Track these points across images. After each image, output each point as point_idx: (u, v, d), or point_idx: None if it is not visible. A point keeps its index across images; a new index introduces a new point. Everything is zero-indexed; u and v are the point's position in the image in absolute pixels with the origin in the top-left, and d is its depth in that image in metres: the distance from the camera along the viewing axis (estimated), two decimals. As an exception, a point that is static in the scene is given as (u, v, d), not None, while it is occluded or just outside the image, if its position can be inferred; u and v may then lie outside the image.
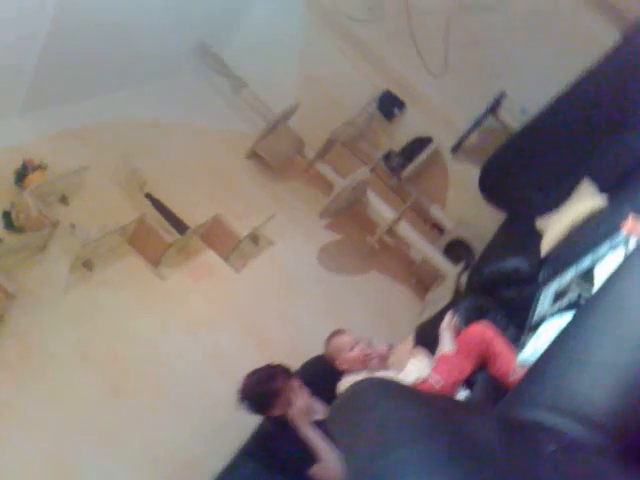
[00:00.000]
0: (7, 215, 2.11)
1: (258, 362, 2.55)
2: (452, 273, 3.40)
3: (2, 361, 2.06)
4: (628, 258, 1.64)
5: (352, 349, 2.29)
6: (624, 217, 1.96)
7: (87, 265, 2.37)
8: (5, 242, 2.09)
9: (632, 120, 2.64)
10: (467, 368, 2.13)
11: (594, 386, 1.04)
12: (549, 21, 3.19)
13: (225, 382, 2.49)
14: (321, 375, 2.33)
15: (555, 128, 2.95)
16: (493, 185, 3.24)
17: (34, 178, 2.14)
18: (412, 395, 1.15)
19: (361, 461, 0.93)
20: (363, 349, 2.29)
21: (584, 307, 1.55)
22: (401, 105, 3.66)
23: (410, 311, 3.56)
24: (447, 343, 2.26)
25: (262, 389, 2.09)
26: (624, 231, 1.88)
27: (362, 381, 1.41)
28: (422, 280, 3.84)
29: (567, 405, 1.03)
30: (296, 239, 3.44)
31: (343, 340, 2.33)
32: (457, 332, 2.33)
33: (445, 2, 3.45)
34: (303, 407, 2.10)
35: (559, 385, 1.08)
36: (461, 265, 3.43)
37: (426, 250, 3.45)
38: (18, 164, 2.22)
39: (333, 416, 1.33)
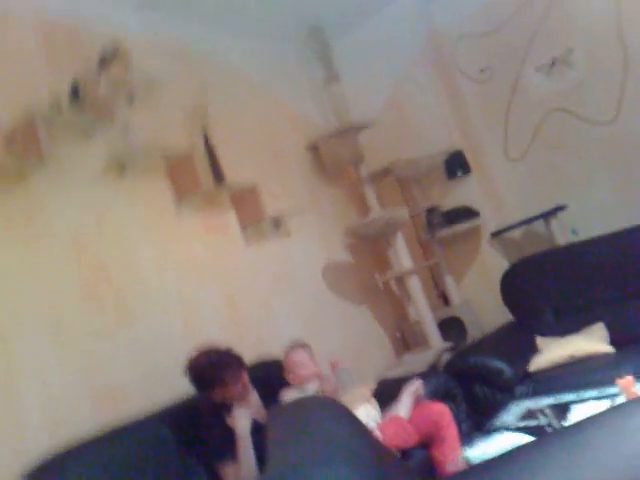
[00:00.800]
0: (76, 87, 2.14)
1: (222, 333, 2.55)
2: (438, 347, 3.37)
3: (3, 214, 2.07)
4: (609, 410, 1.61)
5: (308, 369, 2.27)
6: (622, 374, 1.94)
7: (120, 169, 2.39)
8: (64, 112, 2.11)
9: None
10: (412, 440, 2.10)
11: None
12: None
13: (185, 335, 2.49)
14: (267, 379, 2.31)
15: (596, 262, 2.93)
16: (515, 286, 3.22)
17: (116, 68, 2.17)
18: (359, 426, 1.13)
19: (286, 467, 0.92)
20: (319, 374, 2.29)
21: (548, 436, 1.53)
22: (466, 170, 3.65)
23: (380, 360, 3.53)
24: (404, 408, 2.23)
25: (213, 374, 2.03)
26: (617, 387, 1.85)
27: (315, 396, 1.40)
28: (406, 338, 3.82)
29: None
30: (313, 243, 3.44)
31: (303, 358, 2.32)
32: (417, 403, 2.31)
33: (554, 99, 3.45)
34: (250, 404, 2.09)
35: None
36: (449, 344, 3.40)
37: (424, 313, 3.43)
38: (109, 49, 2.26)
39: (275, 417, 1.31)
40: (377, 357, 3.55)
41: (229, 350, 2.12)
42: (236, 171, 2.91)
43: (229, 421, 2.02)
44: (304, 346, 2.38)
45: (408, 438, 2.08)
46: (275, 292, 3.06)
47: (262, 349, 2.65)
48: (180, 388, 2.15)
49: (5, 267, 2.04)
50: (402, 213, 3.43)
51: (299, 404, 1.10)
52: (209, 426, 2.04)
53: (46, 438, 1.92)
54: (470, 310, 3.70)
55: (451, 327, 3.62)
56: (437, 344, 3.39)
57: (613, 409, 1.39)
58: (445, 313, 3.69)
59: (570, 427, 1.30)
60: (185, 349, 2.11)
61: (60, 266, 2.20)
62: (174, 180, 2.60)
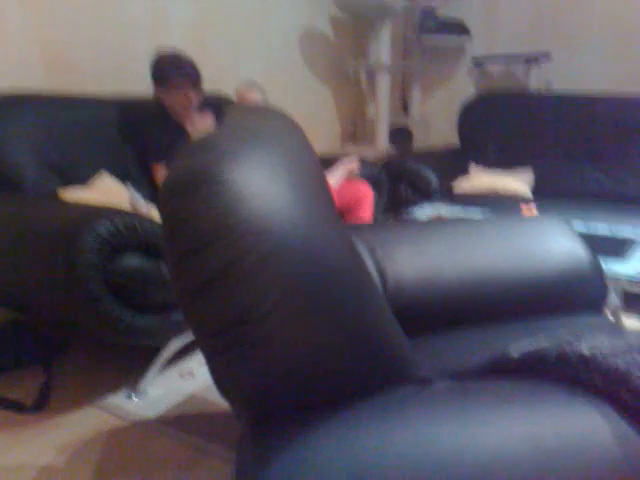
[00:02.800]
0: None
1: (186, 50, 2.53)
2: (382, 148, 3.51)
3: None
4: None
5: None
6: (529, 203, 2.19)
7: None
8: None
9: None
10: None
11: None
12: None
13: (148, 47, 2.45)
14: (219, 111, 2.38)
15: (552, 117, 3.05)
16: (471, 115, 3.30)
17: None
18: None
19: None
20: None
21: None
22: None
23: (324, 145, 3.66)
24: (335, 177, 2.40)
25: (167, 71, 2.08)
26: (522, 211, 2.09)
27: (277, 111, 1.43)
28: (355, 133, 3.93)
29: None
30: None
31: (257, 99, 2.36)
32: (347, 177, 2.48)
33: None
34: (198, 124, 2.18)
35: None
36: (393, 150, 3.55)
37: (381, 114, 3.49)
38: None
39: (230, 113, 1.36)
40: (323, 141, 3.67)
41: (191, 61, 2.14)
42: None
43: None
44: (261, 90, 2.41)
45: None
46: (245, 37, 2.98)
47: (220, 84, 2.69)
48: (133, 86, 2.19)
49: None
50: (398, 1, 3.29)
51: (258, 111, 1.15)
52: (157, 127, 2.13)
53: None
54: (425, 126, 3.81)
55: (400, 137, 3.75)
56: (382, 145, 3.53)
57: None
58: (400, 122, 3.79)
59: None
60: (144, 56, 2.10)
61: None
62: None
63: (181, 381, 1.75)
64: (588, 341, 0.72)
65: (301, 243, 0.66)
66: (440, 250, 1.28)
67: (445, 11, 3.59)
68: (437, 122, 3.84)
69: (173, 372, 1.81)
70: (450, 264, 1.25)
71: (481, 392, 0.69)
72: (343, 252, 0.74)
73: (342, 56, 3.63)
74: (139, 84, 2.33)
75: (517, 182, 2.82)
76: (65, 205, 1.67)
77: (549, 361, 0.73)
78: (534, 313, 1.21)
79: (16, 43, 2.02)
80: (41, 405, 1.61)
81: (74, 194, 1.84)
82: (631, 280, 1.55)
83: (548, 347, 0.75)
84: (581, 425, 0.62)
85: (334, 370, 0.67)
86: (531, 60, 3.34)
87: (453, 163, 3.12)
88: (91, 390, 1.70)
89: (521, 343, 0.81)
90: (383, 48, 3.37)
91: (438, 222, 1.38)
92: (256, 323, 0.62)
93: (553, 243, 1.26)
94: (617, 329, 1.15)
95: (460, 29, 3.46)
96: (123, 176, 2.06)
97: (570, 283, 1.21)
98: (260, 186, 0.67)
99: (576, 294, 1.21)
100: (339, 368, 0.67)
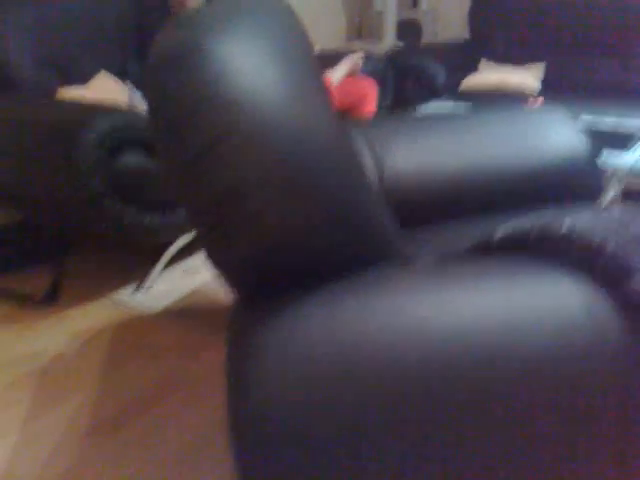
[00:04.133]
0: None
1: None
2: (390, 43, 3.36)
3: None
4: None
5: None
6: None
7: None
8: None
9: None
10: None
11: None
12: None
13: None
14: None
15: (567, 8, 2.88)
16: (482, 6, 3.12)
17: None
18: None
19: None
20: None
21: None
22: None
23: (329, 39, 3.50)
24: (338, 73, 2.31)
25: None
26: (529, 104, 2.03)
27: None
28: (361, 27, 3.74)
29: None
30: None
31: None
32: (352, 74, 2.39)
33: None
34: None
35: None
36: (401, 44, 3.40)
37: (389, 6, 3.31)
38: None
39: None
40: (327, 36, 3.51)
41: None
42: None
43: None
44: None
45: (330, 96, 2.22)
46: None
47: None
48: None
49: None
50: None
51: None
52: (156, 22, 2.05)
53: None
54: (434, 19, 3.62)
55: (409, 31, 3.57)
56: (390, 40, 3.38)
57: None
58: (409, 14, 3.59)
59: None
60: None
61: None
62: None
63: (185, 277, 1.80)
64: (568, 218, 0.73)
65: (286, 122, 0.65)
66: (439, 142, 1.26)
67: None
68: (447, 15, 3.64)
69: (178, 269, 1.86)
70: (449, 155, 1.24)
71: (459, 266, 0.71)
72: (331, 137, 0.73)
73: None
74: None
75: (527, 77, 2.71)
76: (65, 103, 1.65)
77: (530, 238, 0.74)
78: (531, 203, 1.21)
79: None
80: (52, 298, 1.67)
81: (74, 93, 1.81)
82: (630, 171, 1.54)
83: (530, 226, 0.76)
84: (553, 292, 0.64)
85: (318, 247, 0.68)
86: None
87: (462, 58, 2.99)
88: (99, 286, 1.76)
89: (506, 225, 0.82)
90: None
91: (438, 115, 1.35)
92: (241, 199, 0.63)
93: (552, 133, 1.23)
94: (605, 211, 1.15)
95: None
96: (122, 74, 2.01)
97: (567, 174, 1.20)
98: (246, 61, 0.65)
99: (573, 185, 1.20)
100: (322, 245, 0.69)
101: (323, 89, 0.99)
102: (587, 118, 2.07)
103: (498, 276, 0.67)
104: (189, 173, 0.64)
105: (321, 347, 0.61)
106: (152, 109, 0.66)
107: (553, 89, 2.72)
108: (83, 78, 1.92)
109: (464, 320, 0.63)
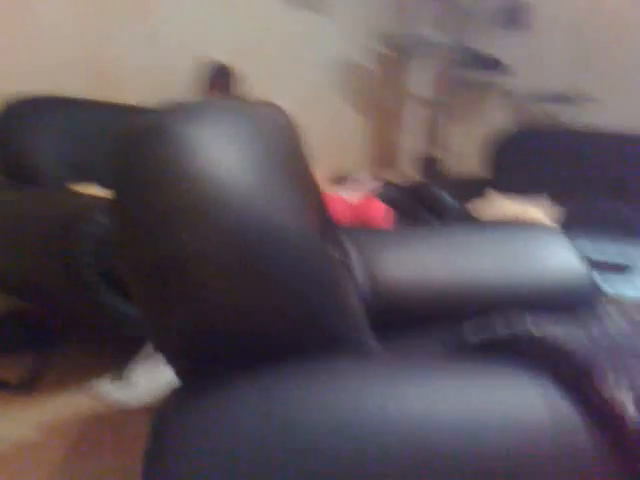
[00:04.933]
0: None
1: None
2: (409, 175, 3.50)
3: None
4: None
5: None
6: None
7: None
8: None
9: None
10: (344, 217, 2.30)
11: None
12: None
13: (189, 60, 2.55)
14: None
15: (587, 153, 2.99)
16: (503, 149, 3.27)
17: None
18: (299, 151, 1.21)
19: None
20: None
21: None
22: (524, 24, 3.47)
23: (351, 167, 3.67)
24: (351, 194, 2.41)
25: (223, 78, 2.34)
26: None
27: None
28: (384, 159, 3.93)
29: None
30: (344, 26, 3.35)
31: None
32: (365, 195, 2.48)
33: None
34: None
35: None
36: (420, 178, 3.55)
37: (413, 141, 3.50)
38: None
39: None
40: (351, 164, 3.68)
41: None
42: None
43: None
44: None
45: (341, 215, 2.27)
46: (283, 64, 3.05)
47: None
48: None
49: None
50: (439, 38, 3.32)
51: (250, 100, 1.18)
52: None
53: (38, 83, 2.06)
54: (455, 158, 3.79)
55: (429, 166, 3.73)
56: (409, 173, 3.52)
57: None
58: (431, 152, 3.77)
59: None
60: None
61: None
62: None
63: (165, 370, 1.74)
64: (542, 325, 0.70)
65: (242, 199, 0.65)
66: (432, 253, 1.25)
67: (483, 47, 3.60)
68: (468, 155, 3.81)
69: (160, 361, 1.80)
70: (441, 266, 1.22)
71: (417, 361, 0.66)
72: (297, 230, 0.73)
73: (377, 86, 3.67)
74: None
75: (538, 211, 2.75)
76: (67, 195, 1.72)
77: (500, 339, 0.70)
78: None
79: (66, 55, 2.15)
80: (27, 386, 1.62)
81: (82, 189, 1.89)
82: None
83: (500, 331, 0.73)
84: (514, 391, 0.59)
85: (261, 329, 0.65)
86: (569, 98, 3.30)
87: (478, 191, 3.08)
88: (78, 376, 1.71)
89: (475, 322, 0.79)
90: (420, 82, 3.41)
91: (433, 228, 1.36)
92: (184, 270, 0.62)
93: (548, 253, 1.22)
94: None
95: (497, 65, 3.47)
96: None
97: (561, 297, 1.16)
98: (212, 145, 0.67)
99: (568, 306, 1.15)
100: (268, 327, 0.66)
101: (302, 193, 1.00)
102: (586, 243, 2.06)
103: (454, 372, 0.63)
104: (135, 241, 0.64)
105: (246, 434, 0.56)
106: (113, 180, 0.67)
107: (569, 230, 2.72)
108: (99, 180, 2.03)
109: (413, 419, 0.57)
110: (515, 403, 0.59)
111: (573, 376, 0.58)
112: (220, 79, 2.29)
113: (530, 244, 1.24)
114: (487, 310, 1.16)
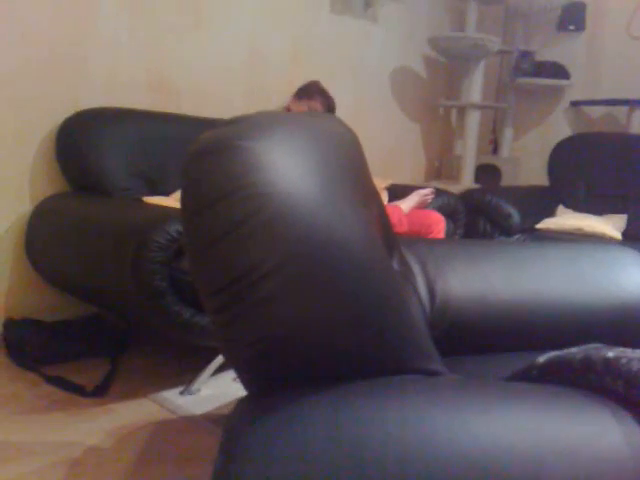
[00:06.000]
0: None
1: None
2: (467, 185, 3.45)
3: None
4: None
5: None
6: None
7: None
8: None
9: None
10: (400, 229, 2.28)
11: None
12: None
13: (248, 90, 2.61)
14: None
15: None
16: (562, 156, 3.17)
17: None
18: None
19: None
20: None
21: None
22: (580, 26, 3.38)
23: (407, 178, 3.65)
24: (407, 203, 2.40)
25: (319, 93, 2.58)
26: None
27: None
28: (441, 169, 3.89)
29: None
30: (394, 38, 3.35)
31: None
32: (421, 206, 2.46)
33: None
34: None
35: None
36: (479, 187, 3.48)
37: (469, 150, 3.44)
38: None
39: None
40: (407, 174, 3.66)
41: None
42: None
43: None
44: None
45: (397, 225, 2.26)
46: (338, 73, 3.08)
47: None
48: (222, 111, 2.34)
49: None
50: (494, 43, 3.27)
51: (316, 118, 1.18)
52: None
53: (102, 98, 2.17)
54: (514, 166, 3.70)
55: (488, 174, 3.66)
56: (467, 182, 3.46)
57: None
58: (489, 160, 3.71)
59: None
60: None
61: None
62: None
63: (233, 384, 1.78)
64: (616, 349, 0.67)
65: (309, 212, 0.65)
66: (495, 269, 1.22)
67: (544, 54, 3.52)
68: (528, 163, 3.72)
69: (228, 375, 1.85)
70: (505, 284, 1.19)
71: (488, 387, 0.65)
72: (362, 243, 0.73)
73: (433, 94, 3.65)
74: (227, 110, 2.51)
75: (606, 226, 2.65)
76: (140, 206, 1.79)
77: (573, 366, 0.68)
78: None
79: (126, 70, 2.25)
80: (100, 392, 1.70)
81: (156, 201, 1.97)
82: None
83: (574, 352, 0.71)
84: (590, 427, 0.57)
85: (330, 344, 0.66)
86: (633, 104, 3.17)
87: (539, 203, 2.99)
88: (149, 383, 1.77)
89: (550, 353, 0.77)
90: (475, 88, 3.35)
91: (497, 242, 1.33)
92: (255, 284, 0.63)
93: (621, 273, 1.17)
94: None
95: (558, 72, 3.37)
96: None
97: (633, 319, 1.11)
98: (279, 159, 0.68)
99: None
100: (335, 342, 0.66)
101: (365, 205, 1.00)
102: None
103: (527, 403, 0.62)
104: (205, 255, 0.66)
105: (313, 453, 0.57)
106: (182, 194, 0.70)
107: (633, 240, 2.62)
108: (170, 191, 2.10)
109: (482, 444, 0.57)
110: (590, 432, 0.57)
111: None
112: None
113: (604, 263, 1.20)
114: (557, 336, 1.12)
